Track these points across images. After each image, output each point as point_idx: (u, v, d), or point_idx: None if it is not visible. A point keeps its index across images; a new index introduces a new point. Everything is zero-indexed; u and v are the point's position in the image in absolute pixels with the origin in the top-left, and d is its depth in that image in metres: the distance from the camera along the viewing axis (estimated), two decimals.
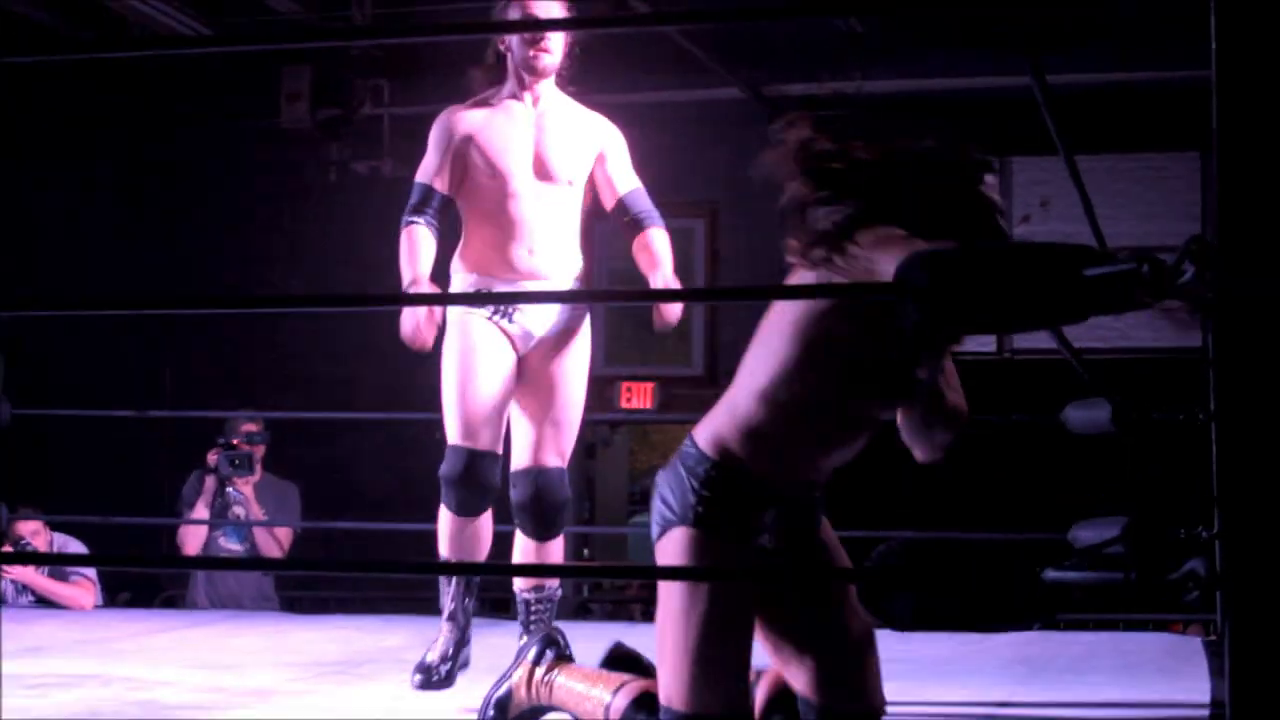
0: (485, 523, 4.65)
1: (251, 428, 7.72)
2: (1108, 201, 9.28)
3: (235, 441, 7.58)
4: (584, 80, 4.81)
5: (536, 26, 4.67)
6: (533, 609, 4.64)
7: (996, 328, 2.14)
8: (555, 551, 4.67)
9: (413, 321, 4.53)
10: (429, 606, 5.08)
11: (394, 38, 10.27)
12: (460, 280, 4.66)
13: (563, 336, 4.67)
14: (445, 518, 4.62)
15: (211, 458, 7.57)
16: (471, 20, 8.89)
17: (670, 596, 2.97)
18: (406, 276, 4.55)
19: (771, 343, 2.96)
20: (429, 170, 4.62)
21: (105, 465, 10.20)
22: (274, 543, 7.62)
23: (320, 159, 10.48)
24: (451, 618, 4.65)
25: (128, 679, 4.85)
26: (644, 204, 4.71)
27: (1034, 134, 2.70)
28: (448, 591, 4.69)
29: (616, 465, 12.38)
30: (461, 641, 4.65)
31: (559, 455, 4.65)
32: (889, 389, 2.95)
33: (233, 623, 6.65)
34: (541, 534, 4.65)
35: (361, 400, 10.13)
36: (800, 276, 2.91)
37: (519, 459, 4.65)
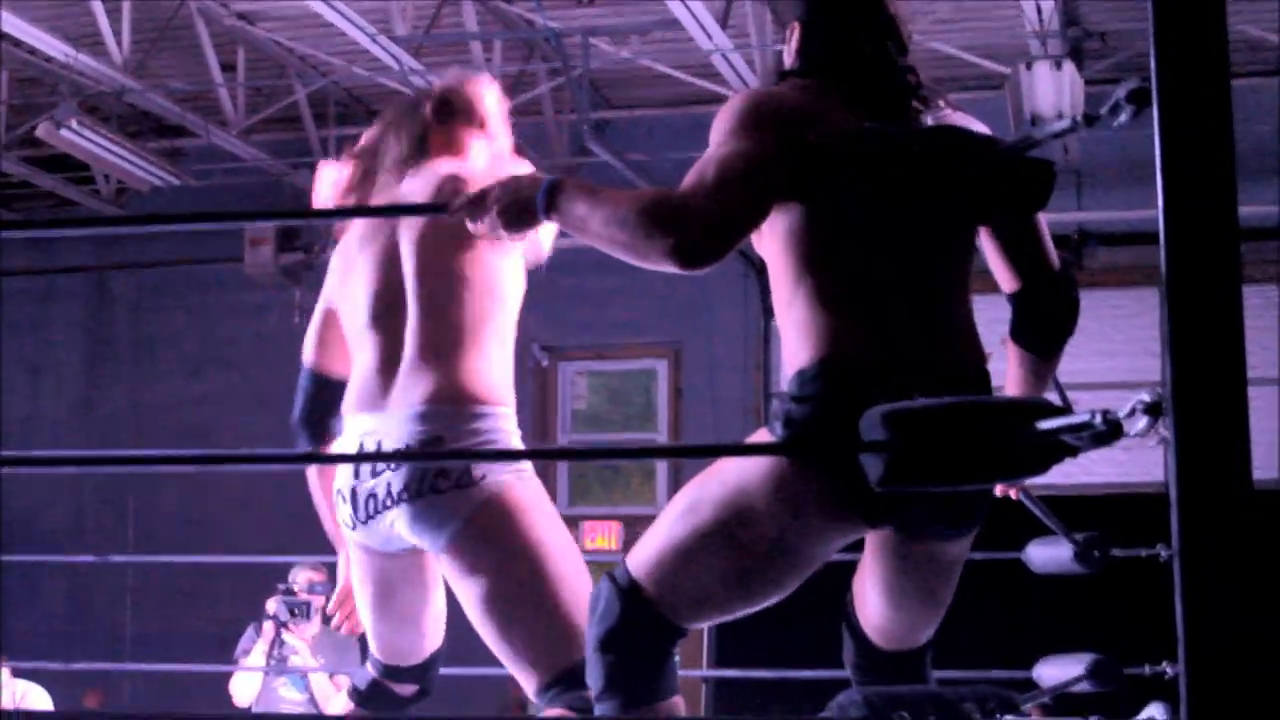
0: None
1: (314, 576, 7.38)
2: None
3: (296, 590, 7.28)
4: None
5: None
6: None
7: (957, 482, 2.15)
8: None
9: None
10: None
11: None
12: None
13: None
14: None
15: (270, 604, 7.27)
16: None
17: None
18: None
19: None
20: None
21: (62, 609, 10.10)
22: (334, 694, 7.11)
23: (284, 303, 10.50)
24: None
25: None
26: None
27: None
28: None
29: None
30: None
31: None
32: None
33: None
34: None
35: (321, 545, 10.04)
36: None
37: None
